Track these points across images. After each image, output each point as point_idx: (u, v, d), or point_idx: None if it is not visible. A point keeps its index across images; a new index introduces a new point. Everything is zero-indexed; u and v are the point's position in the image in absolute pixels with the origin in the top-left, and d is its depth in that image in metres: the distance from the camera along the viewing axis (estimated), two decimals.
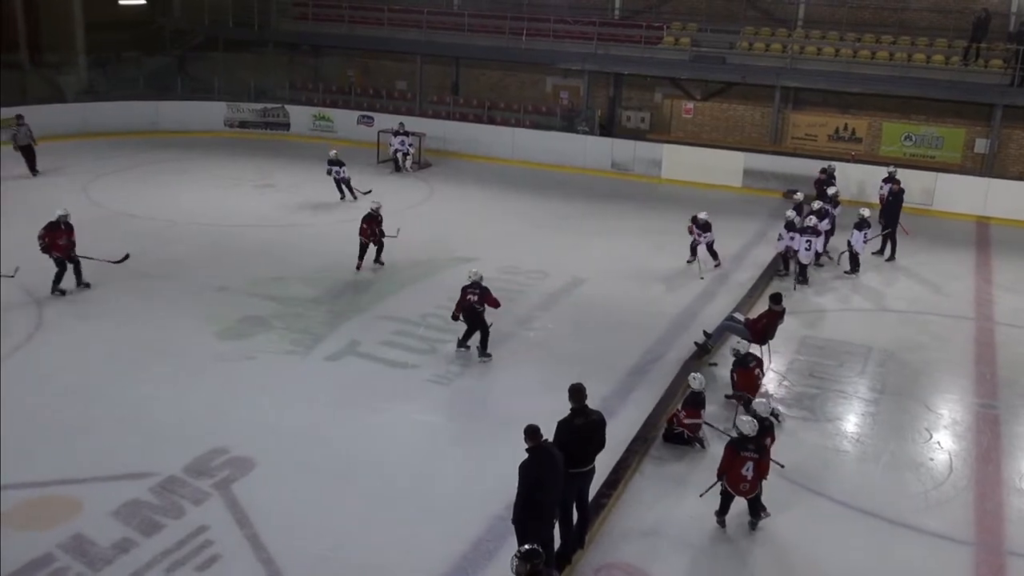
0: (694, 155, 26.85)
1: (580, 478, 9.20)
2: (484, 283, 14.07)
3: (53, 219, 16.01)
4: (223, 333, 14.64)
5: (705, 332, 14.74)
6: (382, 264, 18.04)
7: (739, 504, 10.05)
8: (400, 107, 31.07)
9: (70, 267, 16.10)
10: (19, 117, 24.23)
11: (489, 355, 14.07)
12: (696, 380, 11.85)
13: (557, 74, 30.57)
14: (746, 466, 9.81)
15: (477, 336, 14.16)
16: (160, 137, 29.39)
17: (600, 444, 9.30)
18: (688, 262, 18.89)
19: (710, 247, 18.70)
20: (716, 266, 18.75)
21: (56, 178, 23.94)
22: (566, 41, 28.97)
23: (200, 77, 32.85)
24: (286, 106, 31.39)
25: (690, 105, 29.20)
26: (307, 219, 21.49)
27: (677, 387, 12.96)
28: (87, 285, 16.31)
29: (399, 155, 26.64)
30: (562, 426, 9.04)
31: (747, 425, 9.89)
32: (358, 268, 17.73)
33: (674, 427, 11.75)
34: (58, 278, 15.96)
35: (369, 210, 17.83)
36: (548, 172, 27.45)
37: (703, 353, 14.23)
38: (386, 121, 28.56)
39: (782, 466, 10.66)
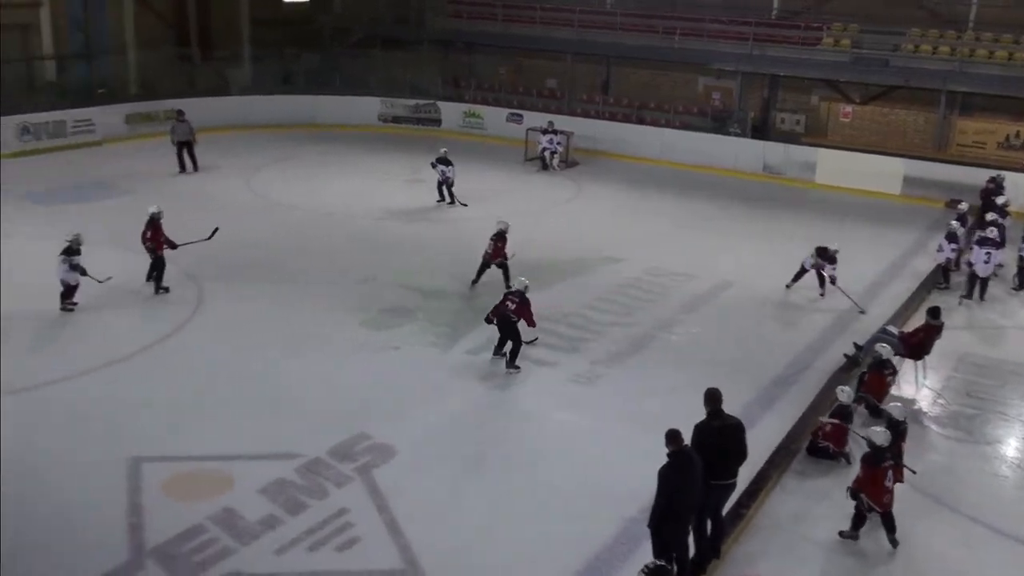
0: (851, 160, 25.91)
1: (721, 491, 9.03)
2: (528, 294, 13.48)
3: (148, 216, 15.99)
4: (369, 323, 15.01)
5: (856, 344, 14.22)
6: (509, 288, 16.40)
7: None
8: (550, 105, 31.15)
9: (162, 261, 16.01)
10: (179, 112, 24.66)
11: (517, 367, 13.37)
12: (844, 393, 11.44)
13: (710, 74, 30.04)
14: (887, 476, 9.52)
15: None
16: (317, 131, 30.38)
17: (741, 453, 9.07)
18: (821, 295, 16.97)
19: (833, 279, 16.73)
20: (821, 295, 16.93)
21: (220, 169, 25.06)
22: (720, 41, 28.41)
23: (357, 73, 33.81)
24: (438, 102, 31.95)
25: (848, 108, 28.20)
26: (454, 214, 21.81)
27: (824, 399, 12.53)
28: (165, 289, 15.96)
29: (547, 153, 26.71)
30: (700, 429, 8.88)
31: (881, 436, 9.62)
32: (473, 284, 16.61)
33: (819, 440, 11.37)
34: (158, 276, 15.92)
35: (498, 228, 16.55)
36: (697, 173, 27.01)
37: (853, 366, 13.71)
38: (535, 119, 28.69)
39: (914, 472, 10.26)
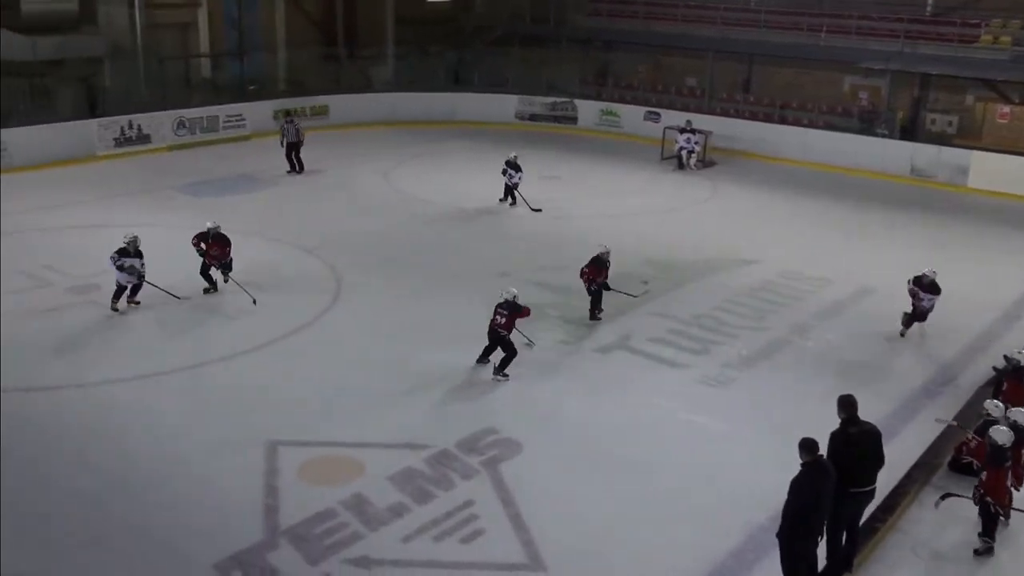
0: (1009, 163, 24.57)
1: (859, 498, 8.74)
2: (519, 301, 12.99)
3: (203, 229, 15.60)
4: None
5: (1006, 356, 13.49)
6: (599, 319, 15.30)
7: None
8: (688, 104, 30.70)
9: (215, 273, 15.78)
10: (288, 113, 24.97)
11: (506, 375, 12.94)
12: (996, 408, 10.87)
13: (856, 73, 28.99)
14: (1009, 478, 9.30)
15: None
16: (456, 127, 30.84)
17: (879, 459, 8.79)
18: (902, 332, 15.15)
19: (924, 313, 14.87)
20: (903, 333, 15.09)
21: (362, 163, 25.75)
22: (869, 39, 27.40)
23: (496, 71, 34.17)
24: (575, 100, 31.96)
25: (1007, 109, 26.77)
26: (588, 211, 21.77)
27: (969, 414, 11.95)
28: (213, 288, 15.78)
29: (684, 152, 26.37)
30: (836, 437, 8.61)
31: (1003, 435, 9.36)
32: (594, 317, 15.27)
33: (963, 456, 10.85)
34: (209, 281, 15.70)
35: (598, 252, 15.17)
36: (840, 175, 26.15)
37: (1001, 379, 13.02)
38: (673, 118, 28.37)
39: None
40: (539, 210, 21.50)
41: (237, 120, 28.04)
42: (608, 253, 15.10)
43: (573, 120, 31.89)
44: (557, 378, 13.19)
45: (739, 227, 20.98)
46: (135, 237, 14.78)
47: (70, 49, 26.46)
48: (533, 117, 32.13)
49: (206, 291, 15.70)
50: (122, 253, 14.56)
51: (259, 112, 28.52)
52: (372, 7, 34.16)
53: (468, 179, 24.55)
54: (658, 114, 29.88)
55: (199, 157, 25.82)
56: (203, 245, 15.54)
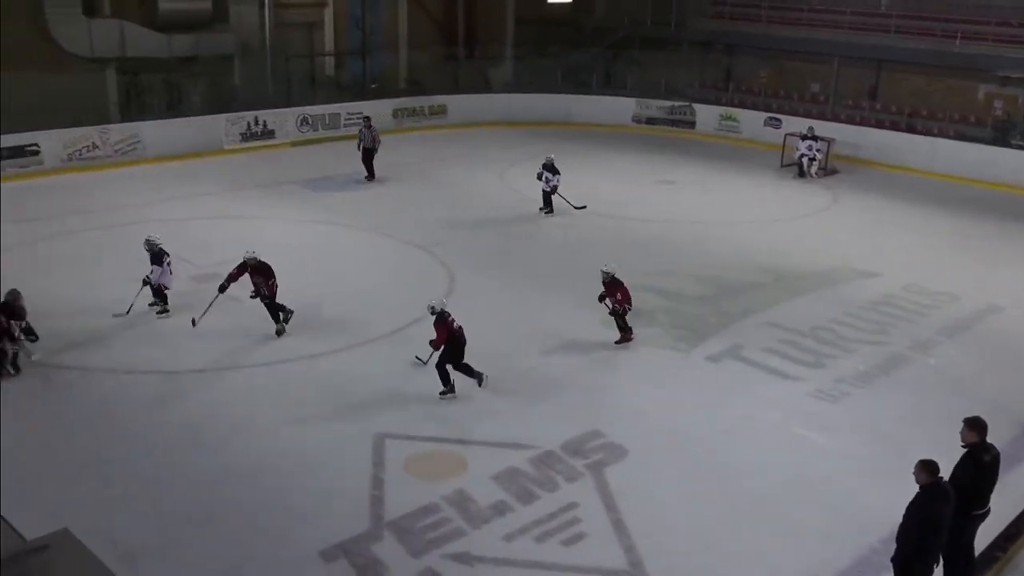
0: None
1: (977, 520, 8.40)
2: (448, 311, 12.30)
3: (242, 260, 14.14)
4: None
5: None
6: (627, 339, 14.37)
7: None
8: (811, 110, 29.97)
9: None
10: (367, 119, 24.62)
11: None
12: None
13: (992, 82, 27.79)
14: None
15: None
16: (572, 129, 30.79)
17: (995, 482, 8.49)
18: None
19: None
20: None
21: (479, 163, 25.99)
22: (1007, 46, 26.24)
23: (613, 74, 34.02)
24: (693, 104, 31.56)
25: None
26: (702, 217, 21.43)
27: None
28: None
29: (804, 160, 25.72)
30: (968, 462, 8.26)
31: None
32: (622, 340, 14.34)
33: None
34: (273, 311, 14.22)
35: (606, 273, 14.12)
36: (970, 188, 25.07)
37: None
38: (794, 124, 27.71)
39: None
40: (583, 207, 21.12)
41: (358, 118, 28.60)
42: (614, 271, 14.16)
43: (691, 124, 31.50)
44: (666, 385, 13.03)
45: (860, 238, 20.32)
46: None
47: (203, 47, 27.53)
48: (650, 120, 31.86)
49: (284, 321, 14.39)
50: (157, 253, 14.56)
51: (379, 110, 29.04)
52: (493, 8, 34.48)
53: (581, 182, 24.39)
54: (779, 120, 29.24)
55: (320, 153, 26.49)
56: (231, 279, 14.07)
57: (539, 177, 20.84)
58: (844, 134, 27.38)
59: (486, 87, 33.36)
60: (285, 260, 15.78)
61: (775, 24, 31.29)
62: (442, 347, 12.16)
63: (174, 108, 26.83)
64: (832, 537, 9.61)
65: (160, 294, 14.85)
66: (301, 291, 15.43)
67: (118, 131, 24.29)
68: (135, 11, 26.65)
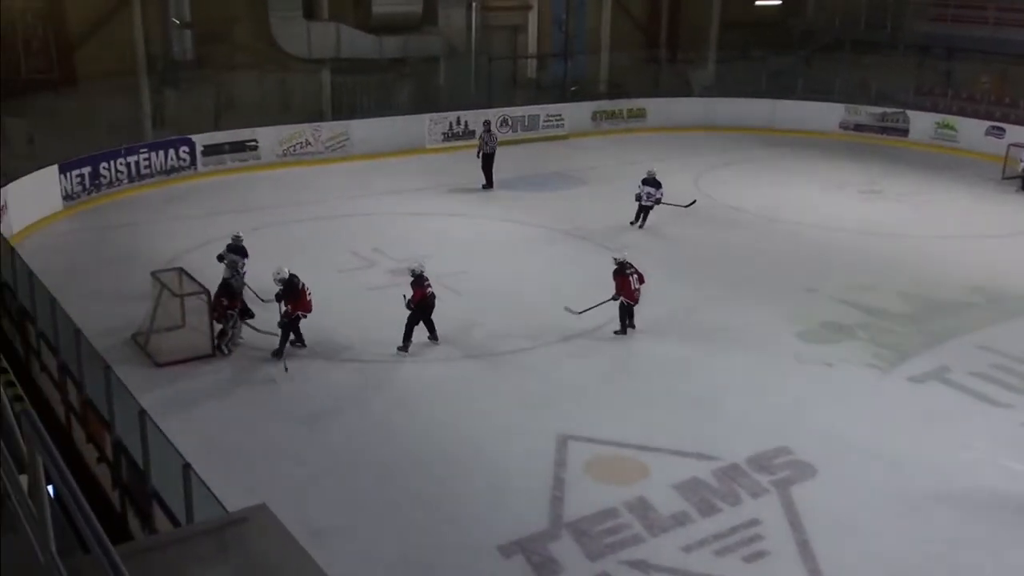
0: None
1: None
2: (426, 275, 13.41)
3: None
4: (805, 334, 14.52)
5: None
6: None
7: None
8: None
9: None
10: (487, 123, 24.21)
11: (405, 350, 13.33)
12: None
13: None
14: None
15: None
16: (775, 135, 29.91)
17: None
18: None
19: None
20: None
21: (675, 166, 25.62)
22: None
23: (820, 78, 32.78)
24: (907, 111, 29.94)
25: None
26: (911, 230, 20.29)
27: None
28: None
29: None
30: None
31: None
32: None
33: None
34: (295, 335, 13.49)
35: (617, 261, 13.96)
36: None
37: None
38: (1019, 134, 25.82)
39: None
40: (693, 202, 20.39)
41: (556, 120, 28.92)
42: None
43: (904, 132, 29.89)
44: (863, 404, 12.44)
45: None
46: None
47: (411, 49, 28.53)
48: (859, 127, 30.48)
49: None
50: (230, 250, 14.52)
51: (578, 113, 29.25)
52: (697, 10, 33.93)
53: (782, 189, 23.77)
54: (1002, 129, 27.30)
55: (518, 154, 26.83)
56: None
57: (637, 198, 19.65)
58: None
59: (687, 90, 32.90)
60: (481, 257, 16.18)
61: (1002, 26, 29.26)
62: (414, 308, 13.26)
63: (381, 107, 27.92)
64: None
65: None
66: (495, 288, 15.74)
67: (329, 128, 25.54)
68: (350, 14, 27.93)
